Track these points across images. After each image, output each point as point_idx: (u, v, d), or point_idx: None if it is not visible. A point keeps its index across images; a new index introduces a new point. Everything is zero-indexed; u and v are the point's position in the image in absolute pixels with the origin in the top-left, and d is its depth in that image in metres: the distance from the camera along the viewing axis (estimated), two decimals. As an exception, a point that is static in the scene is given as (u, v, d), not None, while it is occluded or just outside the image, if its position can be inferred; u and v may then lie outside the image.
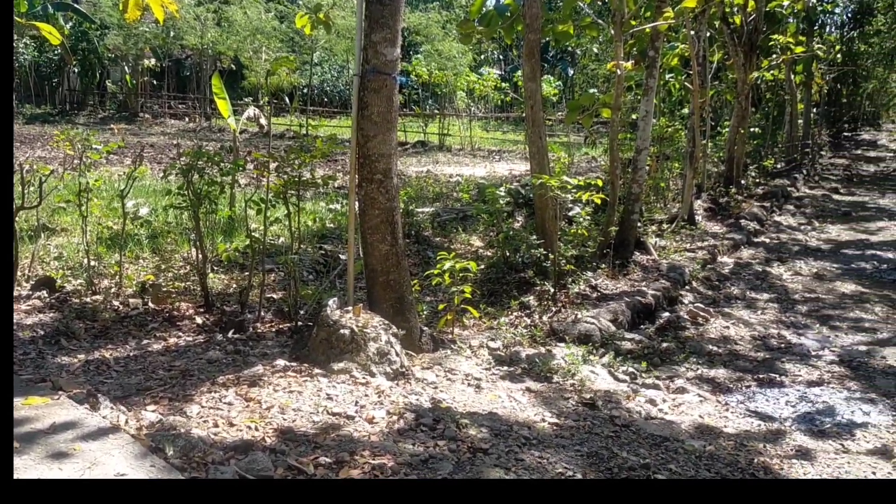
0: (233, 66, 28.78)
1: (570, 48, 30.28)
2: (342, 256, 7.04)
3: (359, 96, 5.18)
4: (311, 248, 7.70)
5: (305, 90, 31.10)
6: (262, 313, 5.88)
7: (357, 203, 5.36)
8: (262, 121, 9.65)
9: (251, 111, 9.56)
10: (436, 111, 28.27)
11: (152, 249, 7.49)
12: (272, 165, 5.75)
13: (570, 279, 7.46)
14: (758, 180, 16.32)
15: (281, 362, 4.59)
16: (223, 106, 8.87)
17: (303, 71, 28.09)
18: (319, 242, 8.09)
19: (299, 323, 5.66)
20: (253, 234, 6.00)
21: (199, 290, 6.14)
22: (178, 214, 7.68)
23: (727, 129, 15.44)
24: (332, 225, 8.95)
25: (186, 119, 30.26)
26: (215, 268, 6.98)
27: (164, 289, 6.21)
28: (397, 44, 5.23)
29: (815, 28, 21.08)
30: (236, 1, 26.13)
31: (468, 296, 5.89)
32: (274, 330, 5.67)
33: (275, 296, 6.46)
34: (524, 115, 8.45)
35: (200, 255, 6.01)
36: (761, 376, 5.75)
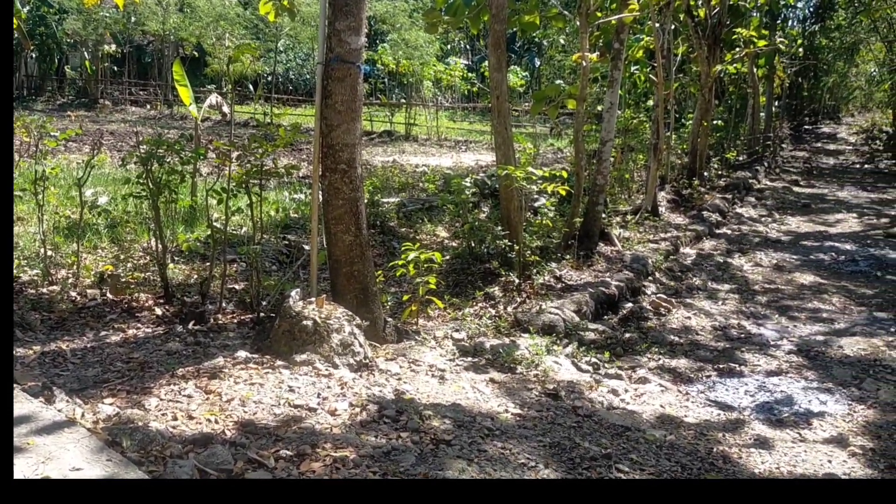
0: (195, 52, 28.33)
1: (537, 39, 30.33)
2: (306, 247, 6.97)
3: (322, 85, 5.12)
4: (275, 238, 7.62)
5: (270, 78, 30.75)
6: (224, 304, 5.80)
7: (321, 193, 5.31)
8: (225, 108, 9.51)
9: (213, 99, 9.41)
10: (402, 101, 28.16)
11: (111, 239, 7.35)
12: (234, 154, 5.67)
13: (534, 270, 7.48)
14: (720, 172, 16.54)
15: (242, 354, 4.53)
16: (184, 93, 8.72)
17: (267, 58, 27.76)
18: (283, 232, 8.01)
19: (261, 314, 5.60)
20: (214, 223, 5.91)
21: (158, 281, 6.04)
22: (137, 204, 7.55)
23: (691, 122, 15.60)
24: (295, 215, 8.86)
25: (147, 106, 29.74)
26: (176, 258, 6.87)
27: (123, 279, 6.10)
28: (362, 32, 5.18)
29: (778, 22, 21.40)
30: (200, -14, 25.73)
31: (433, 287, 5.87)
32: (235, 321, 5.60)
33: (237, 286, 6.38)
34: (490, 105, 8.44)
35: (160, 246, 5.91)
36: (721, 366, 5.83)
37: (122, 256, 6.78)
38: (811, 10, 31.37)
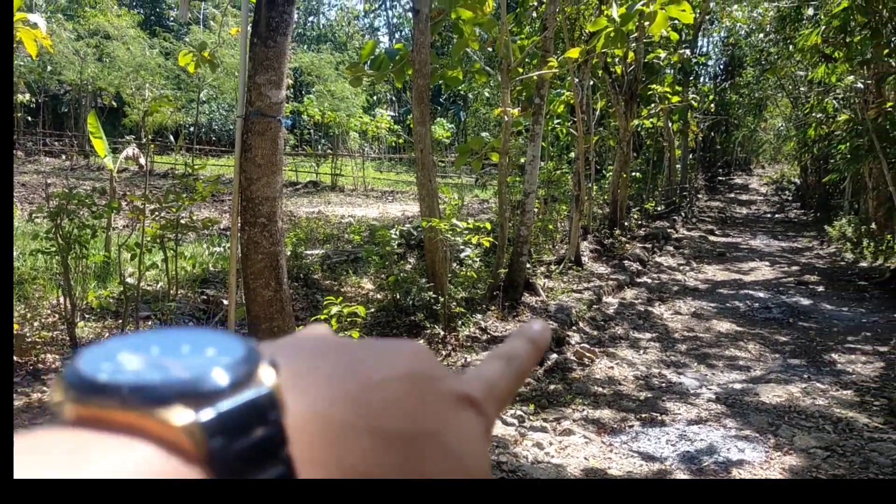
0: (114, 102, 27.77)
1: (462, 92, 30.93)
2: (225, 302, 6.78)
3: (242, 139, 5.06)
4: (192, 293, 7.40)
5: (192, 128, 30.35)
6: (137, 364, 5.56)
7: (240, 247, 5.19)
8: (142, 160, 9.29)
9: (130, 150, 9.18)
10: (328, 151, 28.15)
11: (18, 297, 7.00)
12: (148, 209, 5.51)
13: (460, 322, 7.46)
14: (640, 222, 17.01)
15: (154, 417, 4.33)
16: (99, 145, 8.48)
17: (189, 109, 27.40)
18: (201, 287, 7.79)
19: (177, 373, 5.38)
20: (127, 279, 5.70)
21: (67, 340, 5.76)
22: (47, 259, 7.24)
23: (611, 173, 16.05)
24: (215, 269, 8.65)
25: (63, 157, 28.87)
26: (87, 315, 6.58)
27: (29, 339, 5.80)
28: (283, 86, 5.15)
29: (691, 79, 22.42)
30: (118, 36, 25.30)
31: (356, 341, 5.77)
32: (149, 381, 5.36)
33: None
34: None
35: (69, 303, 5.65)
36: (644, 416, 5.88)
37: (28, 315, 6.46)
38: (721, 67, 33.05)
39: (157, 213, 5.46)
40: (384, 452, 0.31)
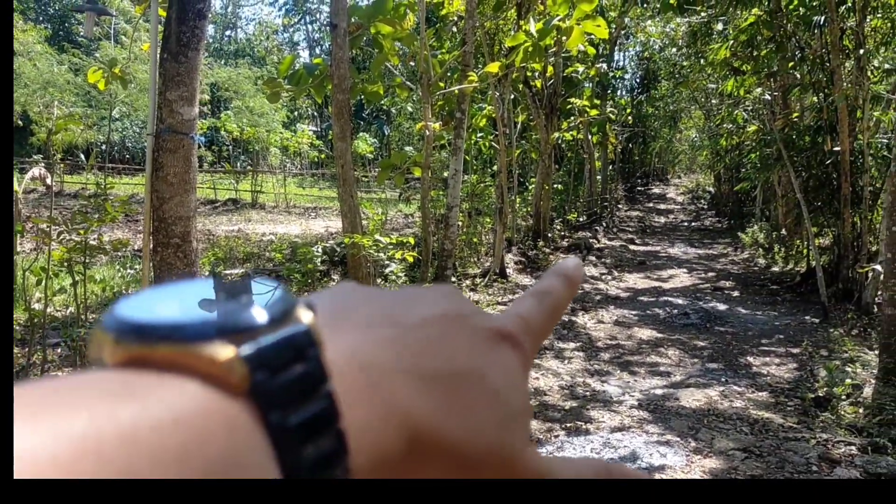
0: (20, 121, 26.63)
1: (385, 107, 30.90)
2: (141, 326, 6.53)
3: (153, 157, 4.90)
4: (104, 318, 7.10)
5: (104, 146, 29.38)
6: (45, 394, 5.29)
7: (152, 269, 5.02)
8: (49, 180, 8.91)
9: (36, 171, 8.79)
10: (248, 168, 27.66)
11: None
12: (55, 231, 5.27)
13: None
14: (563, 233, 17.27)
15: (62, 450, 4.11)
16: (3, 165, 8.11)
17: (101, 126, 26.52)
18: (115, 311, 7.49)
19: (88, 402, 5.14)
20: (34, 305, 5.43)
21: (-32, 372, 5.44)
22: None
23: (534, 186, 16.26)
24: (128, 292, 8.34)
25: (-32, 177, 27.52)
26: (-10, 345, 6.23)
27: (-75, 372, 5.45)
28: (195, 102, 5.02)
29: (609, 92, 22.96)
30: (24, 52, 24.30)
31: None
32: (58, 412, 5.10)
33: (60, 374, 5.85)
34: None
35: (-31, 333, 5.34)
36: (569, 425, 5.92)
37: (-76, 346, 6.07)
38: (637, 81, 34.01)
39: (64, 235, 5.21)
40: (425, 392, 0.32)
